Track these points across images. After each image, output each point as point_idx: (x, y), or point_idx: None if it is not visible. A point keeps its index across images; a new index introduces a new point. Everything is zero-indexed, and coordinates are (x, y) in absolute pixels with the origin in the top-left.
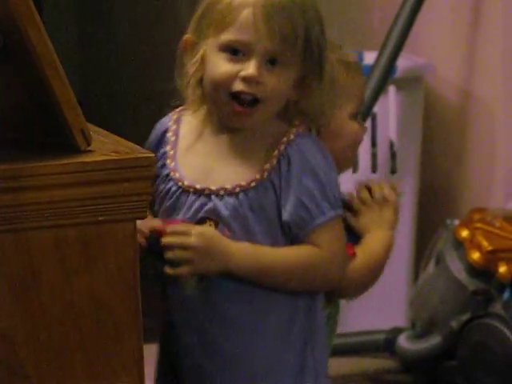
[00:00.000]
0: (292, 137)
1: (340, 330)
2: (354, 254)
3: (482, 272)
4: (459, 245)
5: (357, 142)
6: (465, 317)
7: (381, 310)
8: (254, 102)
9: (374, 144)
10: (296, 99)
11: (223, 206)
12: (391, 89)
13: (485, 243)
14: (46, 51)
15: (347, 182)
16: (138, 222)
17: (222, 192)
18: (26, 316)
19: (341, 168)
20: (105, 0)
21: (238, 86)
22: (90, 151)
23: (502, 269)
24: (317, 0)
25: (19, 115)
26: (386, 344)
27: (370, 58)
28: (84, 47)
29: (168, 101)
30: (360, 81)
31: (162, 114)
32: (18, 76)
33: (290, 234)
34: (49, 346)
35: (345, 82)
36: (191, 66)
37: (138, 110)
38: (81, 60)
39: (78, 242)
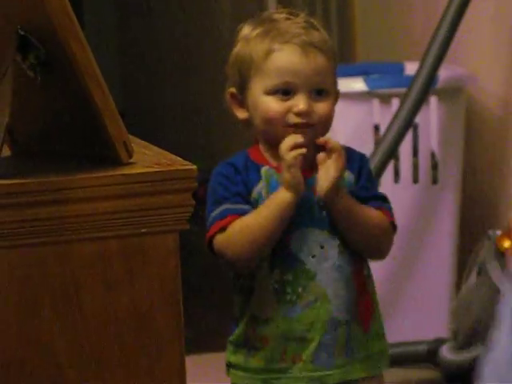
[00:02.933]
0: None
1: None
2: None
3: None
4: (501, 255)
5: (268, 118)
6: None
7: (423, 320)
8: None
9: (415, 154)
10: None
11: None
12: (432, 99)
13: None
14: (87, 63)
15: (388, 193)
16: None
17: None
18: (68, 328)
19: (274, 140)
20: (147, 12)
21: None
22: (132, 163)
23: None
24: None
25: (62, 127)
26: (429, 355)
27: (411, 68)
28: (125, 59)
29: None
30: (277, 60)
31: (202, 124)
32: (61, 89)
33: None
34: (91, 358)
35: (261, 60)
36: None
37: (180, 121)
38: (122, 72)
39: (120, 255)
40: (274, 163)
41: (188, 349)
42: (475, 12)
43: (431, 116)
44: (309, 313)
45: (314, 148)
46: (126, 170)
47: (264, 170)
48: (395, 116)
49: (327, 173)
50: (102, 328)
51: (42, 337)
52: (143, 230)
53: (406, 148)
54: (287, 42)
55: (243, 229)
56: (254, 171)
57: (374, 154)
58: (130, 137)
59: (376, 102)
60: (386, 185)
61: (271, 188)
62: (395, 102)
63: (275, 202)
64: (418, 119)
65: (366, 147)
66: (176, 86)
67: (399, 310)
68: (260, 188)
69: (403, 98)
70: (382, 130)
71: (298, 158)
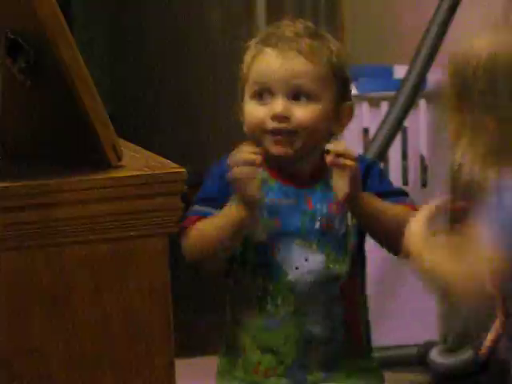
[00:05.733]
0: None
1: (373, 344)
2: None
3: None
4: None
5: (249, 124)
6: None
7: (413, 323)
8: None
9: (404, 157)
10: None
11: None
12: (422, 103)
13: None
14: (77, 66)
15: None
16: None
17: None
18: (59, 331)
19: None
20: (138, 14)
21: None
22: (121, 166)
23: None
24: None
25: (50, 131)
26: (419, 358)
27: (400, 72)
28: (116, 61)
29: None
30: (258, 63)
31: (194, 128)
32: (50, 92)
33: None
34: (80, 361)
35: (249, 64)
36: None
37: (171, 125)
38: (113, 74)
39: (109, 257)
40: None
41: (177, 352)
42: (465, 15)
43: (420, 119)
44: (285, 326)
45: (312, 155)
46: (115, 173)
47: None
48: (384, 119)
49: (344, 179)
50: (92, 330)
51: (32, 340)
52: (132, 233)
53: (395, 151)
54: (270, 45)
55: (197, 233)
56: None
57: None
58: (120, 140)
59: (365, 106)
60: None
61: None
62: (384, 106)
63: (228, 215)
64: (407, 122)
65: (355, 150)
66: (167, 90)
67: (389, 313)
68: None
69: (392, 102)
70: (372, 133)
71: (249, 174)
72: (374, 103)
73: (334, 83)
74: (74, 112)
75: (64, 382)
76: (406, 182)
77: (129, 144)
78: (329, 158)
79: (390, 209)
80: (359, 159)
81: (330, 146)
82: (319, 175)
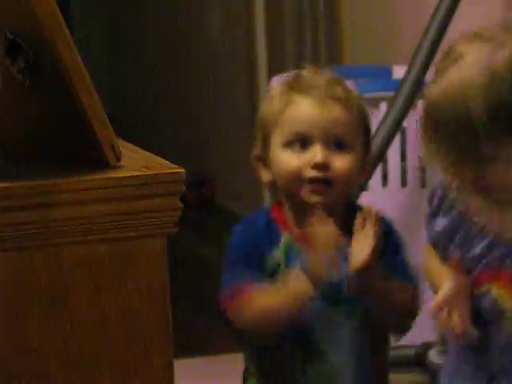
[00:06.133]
0: None
1: None
2: None
3: None
4: None
5: (285, 173)
6: None
7: None
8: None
9: (403, 158)
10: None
11: None
12: (420, 103)
13: None
14: (75, 66)
15: (377, 197)
16: None
17: None
18: (57, 331)
19: (297, 199)
20: (136, 13)
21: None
22: (120, 167)
23: None
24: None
25: (49, 131)
26: (417, 359)
27: (399, 72)
28: (115, 61)
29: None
30: (292, 112)
31: (192, 127)
32: (49, 91)
33: None
34: (79, 361)
35: (279, 113)
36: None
37: (170, 125)
38: (112, 74)
39: (107, 258)
40: (295, 228)
41: (176, 353)
42: (464, 15)
43: (419, 120)
44: None
45: (339, 207)
46: (114, 174)
47: (284, 238)
48: (383, 120)
49: (365, 243)
50: (91, 331)
51: (30, 340)
52: (131, 234)
53: (394, 152)
54: (305, 93)
55: (258, 305)
56: (276, 235)
57: None
58: (119, 140)
59: None
60: (374, 188)
61: (290, 260)
62: (383, 106)
63: (294, 290)
64: (406, 123)
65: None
66: (167, 90)
67: None
68: (278, 258)
69: (391, 102)
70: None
71: (334, 257)
72: (373, 104)
73: (362, 131)
74: (72, 112)
75: (62, 383)
76: (404, 183)
77: (127, 144)
78: (360, 217)
79: (393, 289)
80: (381, 221)
81: (364, 206)
82: (344, 233)
